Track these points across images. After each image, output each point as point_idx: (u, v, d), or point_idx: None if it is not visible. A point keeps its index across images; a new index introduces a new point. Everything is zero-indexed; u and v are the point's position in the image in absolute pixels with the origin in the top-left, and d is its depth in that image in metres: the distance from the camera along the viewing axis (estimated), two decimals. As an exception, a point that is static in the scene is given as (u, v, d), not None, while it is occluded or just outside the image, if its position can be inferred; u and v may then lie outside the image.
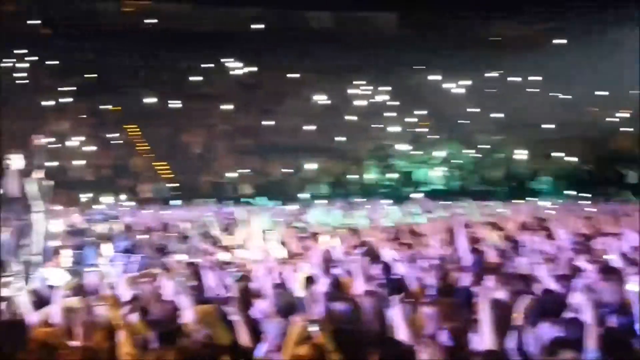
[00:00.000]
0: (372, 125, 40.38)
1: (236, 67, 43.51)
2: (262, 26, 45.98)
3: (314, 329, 5.79)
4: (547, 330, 5.67)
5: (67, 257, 12.17)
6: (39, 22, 42.57)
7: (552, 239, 11.88)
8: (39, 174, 13.66)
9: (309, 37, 44.36)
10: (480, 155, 37.43)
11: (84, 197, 29.51)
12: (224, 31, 44.24)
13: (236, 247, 13.37)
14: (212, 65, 42.86)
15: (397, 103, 42.23)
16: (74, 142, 33.71)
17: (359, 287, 8.53)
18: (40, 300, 8.63)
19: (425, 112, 41.05)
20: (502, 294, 7.05)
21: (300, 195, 30.15)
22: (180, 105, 39.12)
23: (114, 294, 7.87)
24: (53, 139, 32.62)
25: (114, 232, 18.12)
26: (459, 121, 40.33)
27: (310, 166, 34.86)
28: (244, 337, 6.78)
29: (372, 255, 11.36)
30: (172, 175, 34.47)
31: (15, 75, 38.74)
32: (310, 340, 5.91)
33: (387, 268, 9.66)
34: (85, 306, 8.28)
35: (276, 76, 43.65)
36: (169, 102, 39.14)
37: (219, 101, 40.29)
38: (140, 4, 46.77)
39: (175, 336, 6.85)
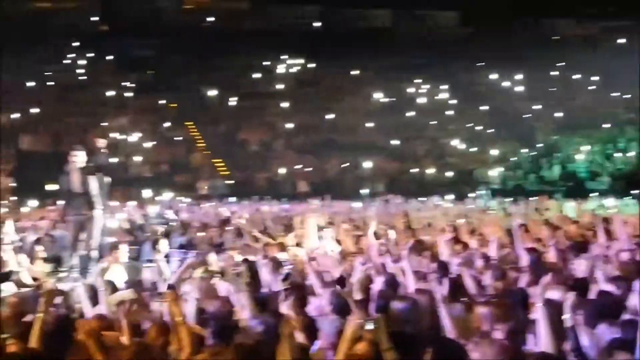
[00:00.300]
0: (431, 123, 40.15)
1: (295, 64, 43.56)
2: (322, 24, 46.03)
3: (369, 327, 5.73)
4: (605, 332, 5.55)
5: (124, 252, 12.24)
6: (97, 18, 43.09)
7: (611, 239, 11.66)
8: (99, 171, 13.82)
9: (368, 35, 44.32)
10: (539, 154, 37.00)
11: (142, 193, 29.76)
12: (284, 29, 44.41)
13: (292, 244, 13.35)
14: (271, 62, 42.98)
15: (456, 101, 41.97)
16: (133, 138, 33.99)
17: (414, 285, 8.45)
18: (97, 295, 8.68)
19: (484, 110, 40.68)
20: (558, 295, 6.92)
21: (357, 193, 30.09)
22: (239, 103, 39.25)
23: (174, 290, 7.88)
24: (112, 136, 33.02)
25: (171, 228, 18.25)
26: (518, 120, 39.94)
27: (368, 164, 34.70)
28: (299, 335, 6.74)
29: (428, 253, 11.27)
30: (229, 172, 34.60)
31: (76, 71, 39.25)
32: (365, 338, 5.85)
33: (443, 267, 9.57)
34: (140, 301, 8.31)
35: (335, 74, 43.65)
36: (228, 99, 39.30)
37: (277, 99, 40.41)
38: (200, 1, 47.13)
39: (231, 333, 6.83)
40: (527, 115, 40.45)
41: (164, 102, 38.04)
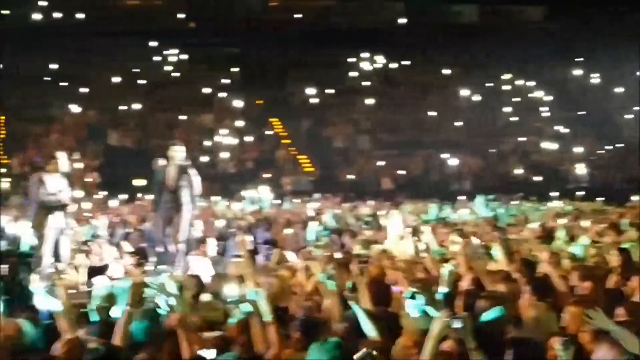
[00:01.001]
0: (518, 121, 39.68)
1: (380, 61, 43.48)
2: (407, 20, 45.85)
3: (456, 325, 5.74)
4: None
5: (211, 246, 12.43)
6: (184, 16, 43.62)
7: None
8: (190, 166, 14.07)
9: (454, 31, 44.02)
10: (628, 153, 36.26)
11: (228, 188, 30.05)
12: (369, 25, 44.36)
13: (376, 241, 13.39)
14: (356, 59, 42.95)
15: (544, 98, 41.37)
16: (218, 134, 34.35)
17: (499, 285, 8.41)
18: (183, 289, 8.81)
19: (572, 108, 40.03)
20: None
21: (442, 191, 29.93)
22: (324, 99, 39.35)
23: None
24: (199, 132, 33.42)
25: (256, 224, 18.43)
26: (607, 117, 39.25)
27: (454, 161, 34.45)
28: (382, 332, 6.76)
29: (514, 253, 11.18)
30: (314, 169, 34.72)
31: (163, 68, 39.83)
32: (451, 336, 5.86)
33: (531, 266, 9.49)
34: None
35: (421, 71, 43.47)
36: (313, 95, 39.43)
37: (362, 95, 40.38)
38: (286, -2, 47.39)
39: (317, 329, 6.89)
40: (616, 113, 39.70)
41: (249, 98, 38.29)
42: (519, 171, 34.86)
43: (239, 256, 8.98)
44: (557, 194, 28.20)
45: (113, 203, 24.58)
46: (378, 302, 7.86)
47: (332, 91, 40.04)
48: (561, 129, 39.04)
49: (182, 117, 35.45)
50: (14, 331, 6.86)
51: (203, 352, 6.19)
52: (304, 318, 7.19)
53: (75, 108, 34.64)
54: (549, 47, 41.14)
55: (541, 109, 40.66)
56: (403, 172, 34.48)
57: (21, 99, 34.96)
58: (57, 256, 12.07)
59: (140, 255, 12.91)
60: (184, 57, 41.03)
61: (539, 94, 41.64)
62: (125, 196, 25.56)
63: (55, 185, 12.26)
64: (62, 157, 12.55)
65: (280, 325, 6.94)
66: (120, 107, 35.49)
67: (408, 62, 43.69)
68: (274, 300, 7.45)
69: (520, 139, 37.84)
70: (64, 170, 13.21)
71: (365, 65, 42.97)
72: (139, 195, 25.32)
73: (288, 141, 36.49)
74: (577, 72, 42.36)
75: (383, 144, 36.58)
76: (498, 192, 28.95)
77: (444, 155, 35.06)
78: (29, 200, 12.33)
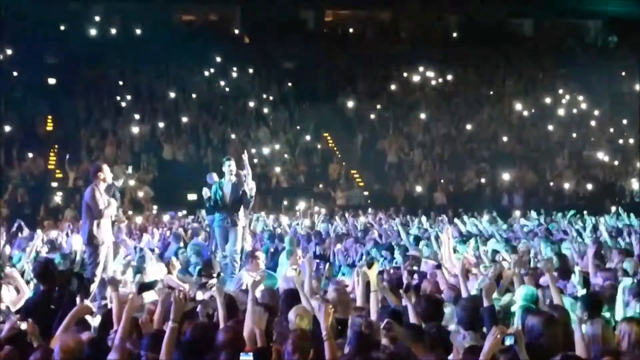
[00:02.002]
0: (572, 134, 39.26)
1: (434, 75, 43.37)
2: (461, 34, 45.75)
3: (509, 342, 5.74)
4: None
5: (262, 260, 12.46)
6: (238, 31, 43.96)
7: None
8: (242, 181, 14.15)
9: (508, 45, 43.82)
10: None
11: (280, 202, 30.16)
12: (422, 39, 44.32)
13: (427, 256, 13.32)
14: (409, 73, 42.87)
15: (598, 112, 40.88)
16: (272, 148, 34.46)
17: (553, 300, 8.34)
18: (234, 304, 8.84)
19: (628, 121, 39.46)
20: None
21: (497, 206, 29.73)
22: (377, 113, 39.30)
23: (328, 302, 8.02)
24: (253, 146, 33.56)
25: (307, 237, 18.46)
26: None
27: (506, 176, 34.16)
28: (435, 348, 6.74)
29: (565, 269, 11.07)
30: (366, 183, 34.68)
31: (219, 83, 40.07)
32: (504, 353, 5.84)
33: (585, 282, 9.42)
34: (276, 311, 8.40)
35: (474, 84, 43.27)
36: (366, 109, 39.39)
37: (415, 109, 40.25)
38: (340, 13, 47.49)
39: (367, 345, 6.89)
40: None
41: (302, 113, 38.39)
42: (573, 186, 34.44)
43: (293, 270, 9.00)
44: (613, 208, 27.81)
45: (166, 217, 24.78)
46: (429, 317, 7.86)
47: (385, 105, 39.95)
48: (616, 142, 38.54)
49: (236, 132, 35.59)
50: (75, 344, 6.93)
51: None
52: (356, 332, 7.22)
53: (129, 121, 34.97)
54: (605, 61, 40.73)
55: (596, 122, 40.17)
56: (456, 186, 34.29)
57: (76, 113, 35.41)
58: (106, 270, 12.15)
59: (194, 270, 12.99)
60: (238, 71, 41.26)
61: (593, 107, 41.14)
62: (180, 211, 25.75)
63: (104, 198, 12.36)
64: (107, 170, 12.66)
65: (340, 337, 7.01)
66: (174, 121, 35.71)
67: (462, 76, 43.50)
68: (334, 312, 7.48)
69: (575, 152, 37.37)
70: (112, 182, 13.36)
71: (419, 79, 42.84)
72: (192, 209, 25.55)
73: (340, 155, 36.47)
74: (637, 86, 41.64)
75: (436, 158, 36.38)
76: (551, 207, 28.74)
77: (497, 170, 34.77)
78: (82, 214, 12.43)
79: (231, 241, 13.70)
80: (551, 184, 35.32)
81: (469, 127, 38.77)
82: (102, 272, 11.92)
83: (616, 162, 36.64)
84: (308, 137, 36.47)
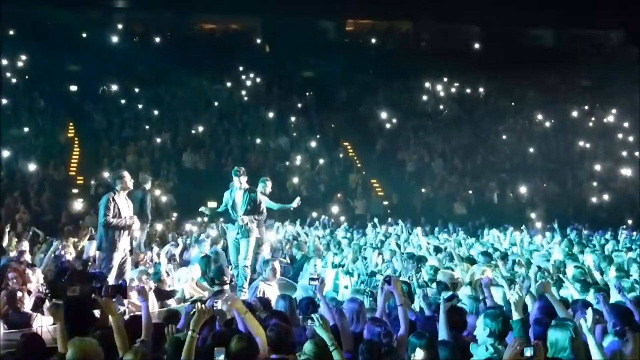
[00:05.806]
0: (594, 147, 39.02)
1: (454, 85, 43.31)
2: (483, 44, 45.68)
3: (528, 353, 5.73)
4: None
5: (279, 269, 12.40)
6: (260, 40, 44.10)
7: None
8: (256, 190, 14.15)
9: (530, 56, 43.65)
10: None
11: (301, 212, 30.09)
12: (443, 49, 44.30)
13: (447, 268, 13.27)
14: (430, 83, 42.85)
15: (623, 124, 40.61)
16: (292, 158, 34.47)
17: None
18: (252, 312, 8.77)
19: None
20: None
21: (517, 218, 29.51)
22: (397, 123, 39.26)
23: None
24: (272, 156, 33.57)
25: (326, 247, 18.40)
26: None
27: (528, 188, 33.98)
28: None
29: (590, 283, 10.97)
30: (385, 193, 34.61)
31: (240, 92, 40.18)
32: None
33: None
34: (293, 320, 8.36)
35: (496, 96, 43.19)
36: (385, 119, 39.35)
37: (435, 119, 40.21)
38: (361, 23, 47.55)
39: (380, 354, 6.89)
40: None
41: (323, 122, 38.41)
42: (595, 198, 34.21)
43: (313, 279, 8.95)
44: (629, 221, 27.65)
45: (186, 226, 24.78)
46: (451, 327, 7.81)
47: (405, 115, 39.91)
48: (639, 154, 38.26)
49: (256, 141, 35.64)
50: (92, 352, 6.90)
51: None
52: (367, 342, 7.23)
53: (150, 130, 35.11)
54: (627, 72, 40.49)
55: (618, 135, 39.91)
56: (476, 197, 34.16)
57: (97, 121, 35.56)
58: (121, 277, 12.07)
59: (211, 279, 12.96)
60: (259, 80, 41.36)
61: (616, 119, 40.90)
62: (196, 220, 25.73)
63: (122, 205, 12.33)
64: (128, 177, 12.62)
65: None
66: (195, 130, 35.79)
67: (483, 87, 43.44)
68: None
69: (596, 165, 37.10)
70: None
71: (440, 89, 42.80)
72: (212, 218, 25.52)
73: (360, 165, 36.44)
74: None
75: (456, 168, 36.26)
76: (572, 219, 28.55)
77: (518, 181, 34.59)
78: (99, 221, 12.40)
79: (242, 252, 13.66)
80: (575, 198, 34.99)
81: (489, 137, 38.65)
82: (119, 279, 11.87)
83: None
84: (328, 146, 36.44)
